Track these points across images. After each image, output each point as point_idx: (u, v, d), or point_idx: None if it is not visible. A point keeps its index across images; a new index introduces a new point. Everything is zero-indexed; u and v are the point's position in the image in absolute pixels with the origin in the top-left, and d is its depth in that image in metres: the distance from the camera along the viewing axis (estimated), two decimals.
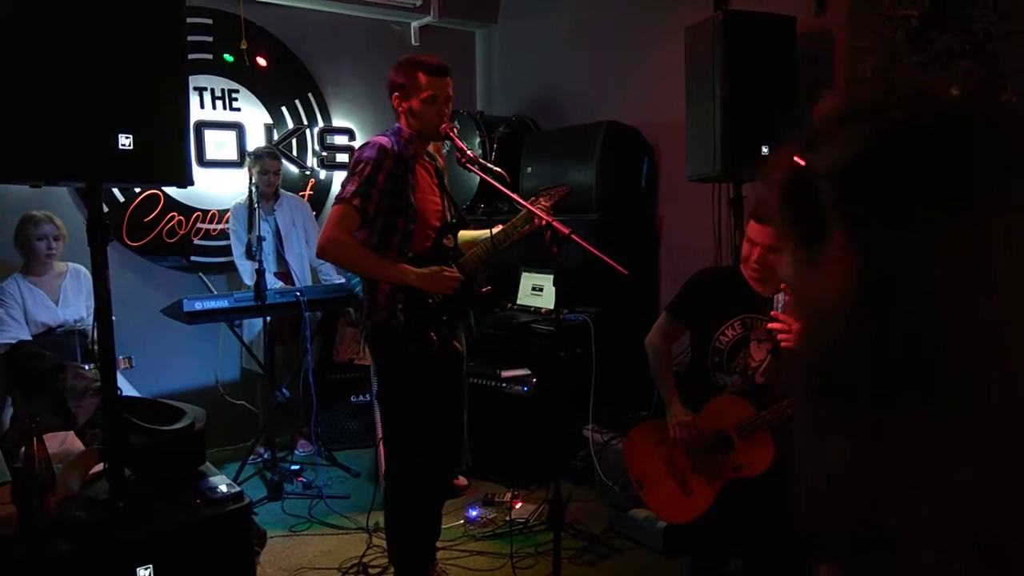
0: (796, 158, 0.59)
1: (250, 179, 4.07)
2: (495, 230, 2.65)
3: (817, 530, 0.59)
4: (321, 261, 4.15)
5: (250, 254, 4.08)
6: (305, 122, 4.93)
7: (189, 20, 3.38)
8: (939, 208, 0.51)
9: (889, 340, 0.51)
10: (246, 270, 4.21)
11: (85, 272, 3.67)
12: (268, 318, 3.94)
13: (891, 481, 0.51)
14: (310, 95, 4.95)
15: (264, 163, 4.15)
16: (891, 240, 0.51)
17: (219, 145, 4.56)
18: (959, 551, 0.48)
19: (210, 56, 4.51)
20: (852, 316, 0.54)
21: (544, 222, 2.34)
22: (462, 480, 3.87)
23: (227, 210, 4.46)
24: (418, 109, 2.56)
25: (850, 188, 0.54)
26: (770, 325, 2.23)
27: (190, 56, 4.19)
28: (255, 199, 3.96)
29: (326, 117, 5.02)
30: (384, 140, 2.54)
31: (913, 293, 0.50)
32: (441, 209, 2.67)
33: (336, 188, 4.77)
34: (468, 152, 2.57)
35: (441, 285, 2.55)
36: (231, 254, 4.32)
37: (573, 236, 2.26)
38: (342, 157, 5.01)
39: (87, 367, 3.14)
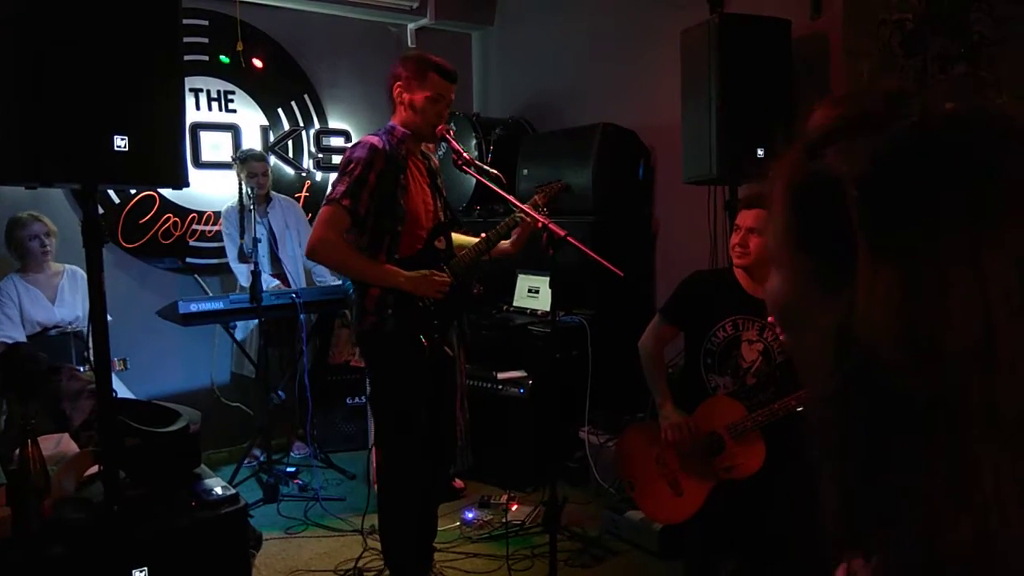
0: (812, 159, 0.54)
1: (239, 182, 4.05)
2: (485, 234, 2.65)
3: None
4: (315, 262, 4.15)
5: (243, 257, 4.08)
6: (301, 124, 4.93)
7: (185, 21, 3.39)
8: (976, 213, 0.48)
9: (950, 355, 0.47)
10: (241, 272, 4.20)
11: (82, 274, 3.66)
12: (260, 320, 3.93)
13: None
14: (306, 97, 4.94)
15: (250, 166, 4.13)
16: (935, 249, 0.48)
17: (215, 147, 4.55)
18: None
19: (206, 58, 4.51)
20: (902, 335, 0.48)
21: (540, 224, 2.34)
22: (459, 482, 3.86)
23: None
24: (420, 106, 2.54)
25: (881, 194, 0.50)
26: (772, 319, 2.22)
27: (186, 57, 4.19)
28: (248, 201, 3.94)
29: (322, 119, 5.02)
30: (375, 140, 2.52)
31: (963, 302, 0.47)
32: (433, 209, 2.66)
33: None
34: (464, 154, 2.57)
35: (431, 289, 2.54)
36: (226, 256, 4.32)
37: (569, 238, 2.26)
38: (338, 159, 4.98)
39: (82, 369, 3.13)
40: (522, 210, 2.51)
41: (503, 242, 2.70)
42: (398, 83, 2.56)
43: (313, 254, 2.54)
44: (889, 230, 0.50)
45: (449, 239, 2.74)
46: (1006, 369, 0.47)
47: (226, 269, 4.38)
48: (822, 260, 0.54)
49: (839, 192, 0.52)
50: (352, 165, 2.48)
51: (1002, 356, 0.47)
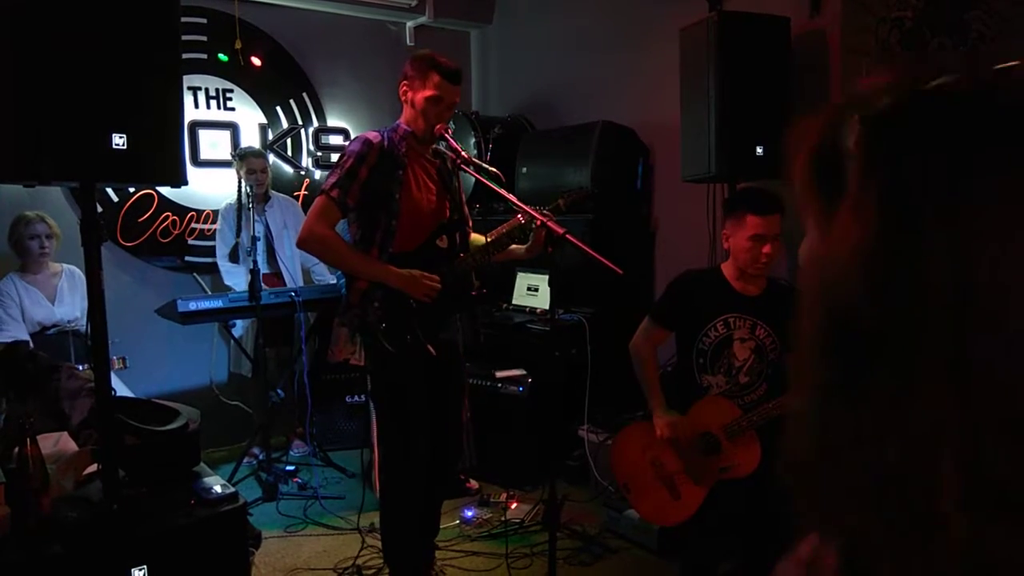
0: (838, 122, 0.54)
1: (239, 180, 4.05)
2: (491, 236, 2.65)
3: (815, 502, 0.55)
4: (315, 261, 4.15)
5: (234, 256, 4.07)
6: (300, 122, 4.93)
7: (183, 19, 3.39)
8: (988, 163, 0.48)
9: (915, 285, 0.47)
10: (227, 272, 4.20)
11: (80, 273, 3.67)
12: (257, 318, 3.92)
13: (912, 447, 0.48)
14: (305, 95, 4.94)
15: (249, 162, 4.12)
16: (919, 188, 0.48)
17: (213, 145, 4.55)
18: (985, 511, 0.45)
19: (204, 56, 4.51)
20: (876, 259, 0.49)
21: (539, 221, 2.34)
22: (473, 483, 3.85)
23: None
24: (420, 105, 2.56)
25: (882, 132, 0.51)
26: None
27: (184, 55, 4.18)
28: (247, 199, 3.93)
29: (321, 117, 5.01)
30: (372, 135, 2.56)
31: (943, 236, 0.47)
32: (438, 208, 2.66)
33: None
34: (463, 153, 2.58)
35: (418, 290, 2.53)
36: None
37: (568, 236, 2.26)
38: (337, 157, 5.00)
39: (81, 367, 3.13)
40: (521, 209, 2.50)
41: (517, 246, 2.69)
42: (404, 82, 2.60)
43: (303, 244, 2.57)
44: (886, 166, 0.50)
45: (455, 239, 2.71)
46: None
47: None
48: (826, 205, 0.54)
49: (849, 132, 0.52)
50: (345, 158, 2.55)
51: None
